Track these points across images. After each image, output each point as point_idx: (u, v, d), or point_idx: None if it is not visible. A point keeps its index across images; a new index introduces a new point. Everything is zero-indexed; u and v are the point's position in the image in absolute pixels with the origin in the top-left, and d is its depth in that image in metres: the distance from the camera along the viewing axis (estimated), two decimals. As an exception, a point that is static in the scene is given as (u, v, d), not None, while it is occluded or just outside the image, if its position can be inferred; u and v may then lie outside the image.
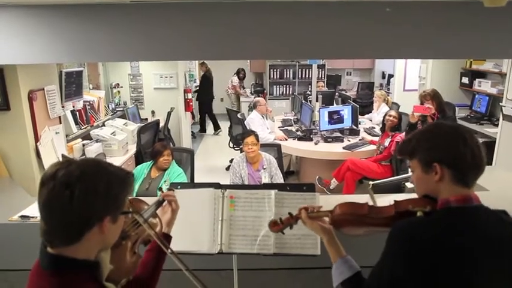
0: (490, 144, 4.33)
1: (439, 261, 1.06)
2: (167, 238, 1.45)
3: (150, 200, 1.57)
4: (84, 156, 4.22)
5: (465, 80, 6.23)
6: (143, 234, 1.26)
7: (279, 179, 3.62)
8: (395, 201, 1.26)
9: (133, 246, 1.22)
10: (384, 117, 4.70)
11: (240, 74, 9.94)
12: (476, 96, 5.99)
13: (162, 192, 1.53)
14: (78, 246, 0.96)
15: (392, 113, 4.60)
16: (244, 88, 10.11)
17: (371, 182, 2.75)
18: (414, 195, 1.27)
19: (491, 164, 4.03)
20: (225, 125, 7.42)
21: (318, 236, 1.38)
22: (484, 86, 5.81)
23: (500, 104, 4.06)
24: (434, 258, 1.06)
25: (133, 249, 1.22)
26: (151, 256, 1.36)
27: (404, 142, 1.27)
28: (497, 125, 4.63)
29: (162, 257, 1.37)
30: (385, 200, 1.41)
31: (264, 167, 3.60)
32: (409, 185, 2.69)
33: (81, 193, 0.92)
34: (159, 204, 1.47)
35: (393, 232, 1.13)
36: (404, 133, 4.24)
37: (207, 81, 9.12)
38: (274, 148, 4.14)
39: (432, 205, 1.18)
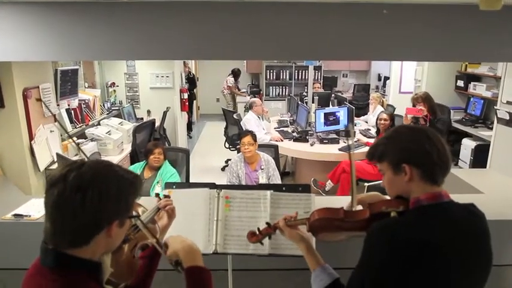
0: (485, 147, 4.36)
1: (415, 259, 1.07)
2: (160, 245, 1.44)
3: (143, 201, 1.57)
4: (78, 156, 4.20)
5: (460, 83, 6.27)
6: (141, 239, 1.26)
7: (277, 179, 3.62)
8: (369, 203, 1.28)
9: (133, 250, 1.22)
10: (377, 120, 4.72)
11: (236, 73, 9.96)
12: (471, 99, 6.03)
13: (159, 198, 1.52)
14: (85, 248, 0.95)
15: (384, 115, 4.61)
16: (239, 89, 10.11)
17: (366, 184, 2.76)
18: None
19: (485, 167, 4.06)
20: (221, 126, 7.41)
21: (298, 246, 1.39)
22: (479, 89, 5.85)
23: (495, 107, 4.09)
24: (410, 256, 1.07)
25: (132, 253, 1.21)
26: (145, 263, 1.34)
27: (372, 147, 1.30)
28: (491, 128, 4.67)
29: (156, 263, 1.36)
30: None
31: (262, 167, 3.60)
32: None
33: (94, 197, 0.90)
34: (157, 210, 1.46)
35: (369, 234, 1.15)
36: None
37: (193, 83, 9.08)
38: (272, 149, 4.14)
39: (405, 205, 1.21)
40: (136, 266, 1.22)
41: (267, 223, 1.47)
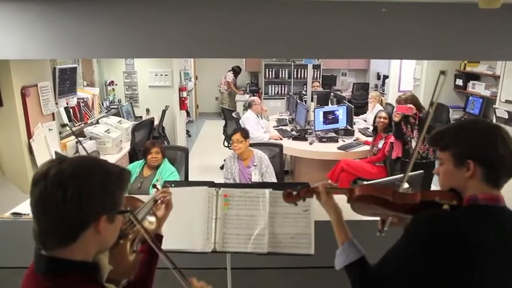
0: (483, 146, 4.35)
1: (461, 256, 1.05)
2: (158, 237, 1.44)
3: (143, 199, 1.57)
4: (77, 154, 4.20)
5: (459, 82, 6.28)
6: (139, 233, 1.24)
7: (271, 176, 3.63)
8: (422, 190, 1.23)
9: (132, 245, 1.20)
10: (375, 119, 4.72)
11: (235, 71, 9.97)
12: (470, 98, 6.03)
13: (157, 189, 1.52)
14: (74, 247, 0.91)
15: (383, 114, 4.61)
16: (236, 87, 10.12)
17: (365, 183, 2.76)
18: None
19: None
20: (219, 124, 7.41)
21: (329, 215, 1.34)
22: (478, 88, 5.86)
23: (494, 106, 4.10)
24: (457, 252, 1.04)
25: (131, 248, 1.20)
26: (145, 257, 1.33)
27: (438, 133, 1.22)
28: (490, 127, 4.66)
29: (156, 257, 1.35)
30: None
31: (255, 163, 3.61)
32: (403, 185, 2.69)
33: (75, 192, 0.88)
34: (155, 202, 1.46)
35: (416, 220, 1.11)
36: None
37: None
38: (276, 148, 4.12)
39: (458, 200, 1.16)
40: (137, 260, 1.20)
41: (306, 184, 1.40)
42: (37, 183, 0.89)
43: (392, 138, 4.24)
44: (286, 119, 6.45)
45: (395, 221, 1.37)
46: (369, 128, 5.85)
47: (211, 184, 1.94)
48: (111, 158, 4.49)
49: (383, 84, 9.07)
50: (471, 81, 6.04)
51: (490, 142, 1.11)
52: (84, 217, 0.90)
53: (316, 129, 5.28)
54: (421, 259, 1.07)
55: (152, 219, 1.41)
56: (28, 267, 0.99)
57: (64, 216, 0.88)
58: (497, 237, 1.08)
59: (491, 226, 1.09)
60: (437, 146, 1.21)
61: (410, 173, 1.44)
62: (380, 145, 4.51)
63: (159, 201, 1.47)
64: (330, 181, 1.41)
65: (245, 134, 3.64)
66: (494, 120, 4.13)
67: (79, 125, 4.81)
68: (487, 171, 1.11)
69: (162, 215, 1.46)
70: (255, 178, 3.55)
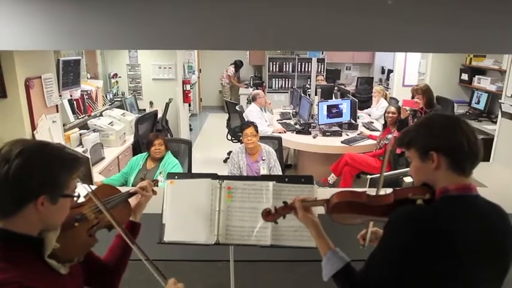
0: (488, 141, 4.33)
1: (439, 249, 1.06)
2: (134, 226, 1.48)
3: None
4: (81, 146, 4.21)
5: (464, 76, 6.23)
6: (105, 220, 1.29)
7: (278, 170, 3.62)
8: (394, 189, 1.26)
9: (89, 230, 1.27)
10: (385, 113, 4.71)
11: (237, 65, 9.95)
12: (476, 92, 5.99)
13: (156, 185, 1.54)
14: (15, 219, 1.00)
15: (392, 109, 4.60)
16: (239, 80, 10.10)
17: (369, 176, 2.75)
18: None
19: (489, 161, 4.04)
20: (223, 118, 7.39)
21: (308, 230, 1.38)
22: (484, 82, 5.81)
23: (500, 101, 4.06)
24: (435, 245, 1.06)
25: (88, 232, 1.26)
26: (119, 242, 1.40)
27: (402, 133, 1.29)
28: (495, 122, 4.64)
29: (129, 245, 1.39)
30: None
31: (263, 158, 3.60)
32: (406, 179, 2.69)
33: (17, 169, 0.96)
34: (130, 195, 1.49)
35: (392, 220, 1.13)
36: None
37: None
38: (275, 141, 4.13)
39: (431, 193, 1.18)
40: (89, 244, 1.26)
41: (284, 202, 1.44)
42: None
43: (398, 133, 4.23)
44: (289, 113, 6.43)
45: (374, 231, 1.46)
46: (372, 122, 5.83)
47: (214, 176, 1.93)
48: (115, 150, 4.50)
49: (387, 78, 9.02)
50: (476, 76, 5.98)
51: (448, 131, 1.17)
52: (23, 193, 0.99)
53: (319, 123, 5.27)
54: (402, 256, 1.08)
55: (124, 209, 1.45)
56: None
57: (6, 190, 0.97)
58: (472, 226, 1.10)
59: (466, 216, 1.11)
60: (403, 145, 1.26)
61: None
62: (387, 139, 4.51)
63: (136, 194, 1.51)
64: (305, 196, 1.45)
65: (256, 128, 3.63)
66: (499, 116, 4.09)
67: (83, 118, 4.81)
68: (450, 159, 1.15)
69: (136, 207, 1.51)
70: (264, 173, 3.53)
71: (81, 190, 1.17)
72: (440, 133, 1.17)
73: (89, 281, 1.27)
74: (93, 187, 1.30)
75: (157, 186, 1.56)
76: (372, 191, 1.34)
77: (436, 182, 1.18)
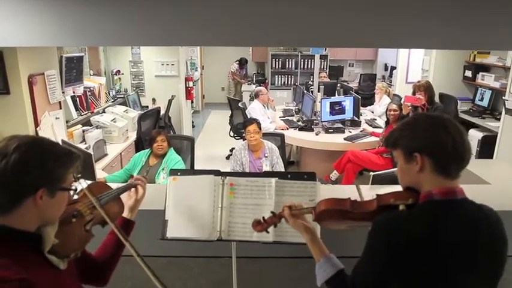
0: (491, 139, 4.32)
1: (418, 255, 1.05)
2: (128, 223, 1.50)
3: (149, 187, 1.59)
4: (84, 142, 4.22)
5: (468, 73, 6.20)
6: (99, 216, 1.30)
7: (280, 167, 3.62)
8: (377, 195, 1.24)
9: (85, 225, 1.28)
10: (386, 111, 4.69)
11: (241, 62, 9.94)
12: (479, 89, 5.96)
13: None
14: (13, 215, 1.00)
15: (394, 106, 4.58)
16: (246, 76, 10.08)
17: (371, 173, 2.74)
18: None
19: (492, 158, 4.03)
20: (225, 114, 7.39)
21: (302, 236, 1.38)
22: (488, 79, 5.78)
23: (503, 98, 4.05)
24: (414, 252, 1.05)
25: (84, 228, 1.28)
26: (112, 238, 1.42)
27: (389, 133, 1.26)
28: (499, 119, 4.62)
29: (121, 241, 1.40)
30: (386, 191, 1.39)
31: (266, 155, 3.60)
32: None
33: (14, 163, 0.97)
34: (124, 190, 1.51)
35: (373, 226, 1.13)
36: None
37: None
38: (278, 138, 4.13)
39: (415, 198, 1.16)
40: (86, 240, 1.28)
41: (272, 212, 1.46)
42: None
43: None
44: (292, 110, 6.42)
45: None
46: (375, 119, 5.81)
47: (217, 173, 1.93)
48: (117, 146, 4.51)
49: (390, 75, 8.99)
50: (480, 73, 5.96)
51: (432, 132, 1.13)
52: (21, 187, 0.99)
53: (322, 120, 5.26)
54: (385, 268, 1.08)
55: (116, 205, 1.47)
56: None
57: (4, 185, 0.98)
58: (456, 230, 1.07)
59: (448, 221, 1.08)
60: (389, 146, 1.24)
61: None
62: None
63: (131, 189, 1.54)
64: (293, 203, 1.44)
65: (259, 124, 3.63)
66: (503, 113, 4.07)
67: (85, 114, 4.82)
68: (434, 161, 1.12)
69: (131, 204, 1.53)
70: (266, 169, 3.53)
71: (78, 186, 1.19)
72: (424, 134, 1.14)
73: (81, 275, 1.29)
74: (88, 182, 1.30)
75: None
76: (373, 190, 1.33)
77: (420, 185, 1.15)
